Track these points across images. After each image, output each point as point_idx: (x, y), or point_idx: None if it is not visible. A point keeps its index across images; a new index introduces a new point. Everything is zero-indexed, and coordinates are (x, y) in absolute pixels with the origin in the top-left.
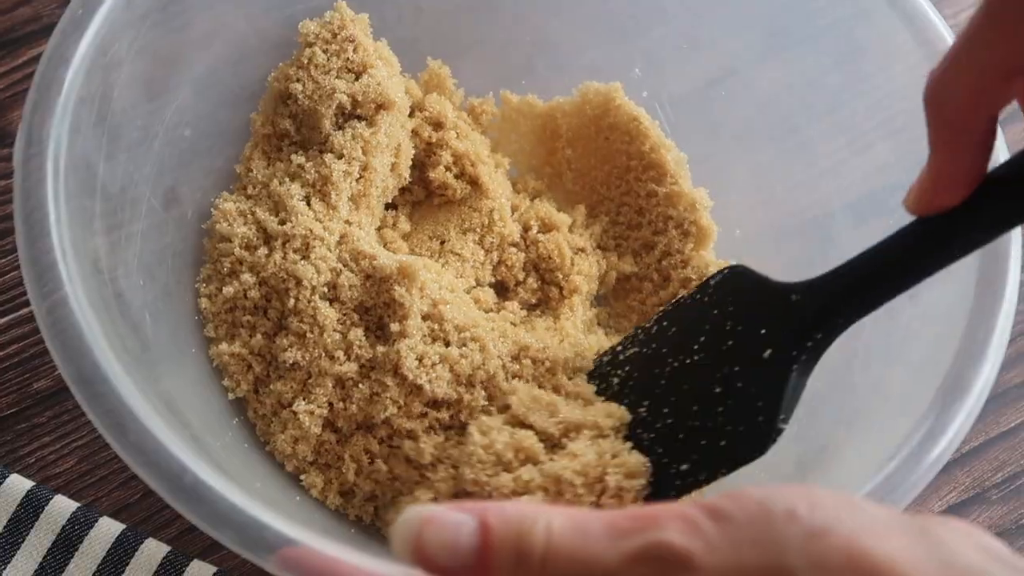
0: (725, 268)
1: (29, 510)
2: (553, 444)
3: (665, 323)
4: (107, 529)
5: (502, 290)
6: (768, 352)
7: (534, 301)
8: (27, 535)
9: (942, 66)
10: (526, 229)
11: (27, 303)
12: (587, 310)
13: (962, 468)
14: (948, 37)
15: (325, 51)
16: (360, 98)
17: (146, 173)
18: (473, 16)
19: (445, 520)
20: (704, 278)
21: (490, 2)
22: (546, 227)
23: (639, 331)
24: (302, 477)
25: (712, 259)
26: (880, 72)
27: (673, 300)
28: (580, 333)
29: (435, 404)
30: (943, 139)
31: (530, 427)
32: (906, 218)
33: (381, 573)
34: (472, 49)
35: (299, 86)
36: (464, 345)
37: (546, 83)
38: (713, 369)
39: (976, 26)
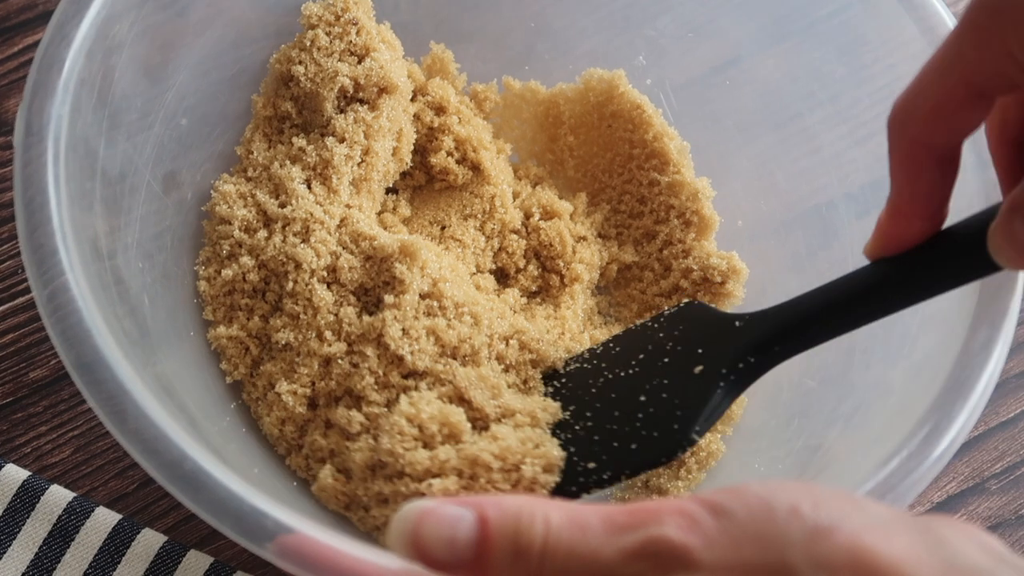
0: (688, 302)
1: (25, 500)
2: (483, 428)
3: (611, 343)
4: (103, 519)
5: (502, 277)
6: (699, 368)
7: (534, 289)
8: (23, 525)
9: (907, 89)
10: (527, 216)
11: (23, 292)
12: (588, 299)
13: (961, 458)
14: (951, 24)
15: (328, 33)
16: (363, 81)
17: (146, 156)
18: (475, 1)
19: (443, 514)
20: (705, 268)
21: None
22: (547, 214)
23: (596, 348)
24: (287, 459)
25: (714, 249)
26: (882, 61)
27: (623, 333)
28: (579, 323)
29: (414, 376)
30: (904, 165)
31: (468, 403)
32: None
33: (379, 562)
34: (474, 34)
35: (301, 68)
36: (458, 318)
37: (549, 69)
38: (644, 381)
39: (944, 45)
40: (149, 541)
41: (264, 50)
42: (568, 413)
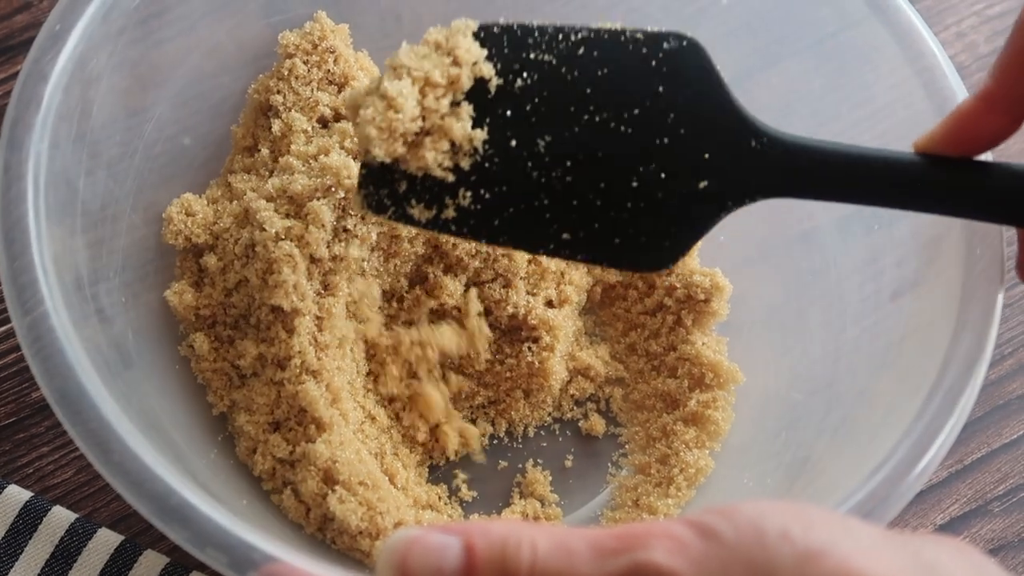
0: (681, 36)
1: (28, 521)
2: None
3: (595, 53)
4: (106, 540)
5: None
6: (703, 185)
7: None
8: (25, 546)
9: None
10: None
11: None
12: (576, 320)
13: (964, 480)
14: (937, 52)
15: (306, 62)
16: (343, 111)
17: (127, 188)
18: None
19: (429, 542)
20: (688, 285)
21: (470, 11)
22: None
23: (560, 34)
24: (263, 483)
25: (696, 266)
26: (868, 87)
27: (610, 27)
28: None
29: None
30: (1016, 63)
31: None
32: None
33: None
34: None
35: (280, 97)
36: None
37: None
38: (638, 156)
39: None
40: (151, 563)
41: (243, 79)
42: (549, 137)
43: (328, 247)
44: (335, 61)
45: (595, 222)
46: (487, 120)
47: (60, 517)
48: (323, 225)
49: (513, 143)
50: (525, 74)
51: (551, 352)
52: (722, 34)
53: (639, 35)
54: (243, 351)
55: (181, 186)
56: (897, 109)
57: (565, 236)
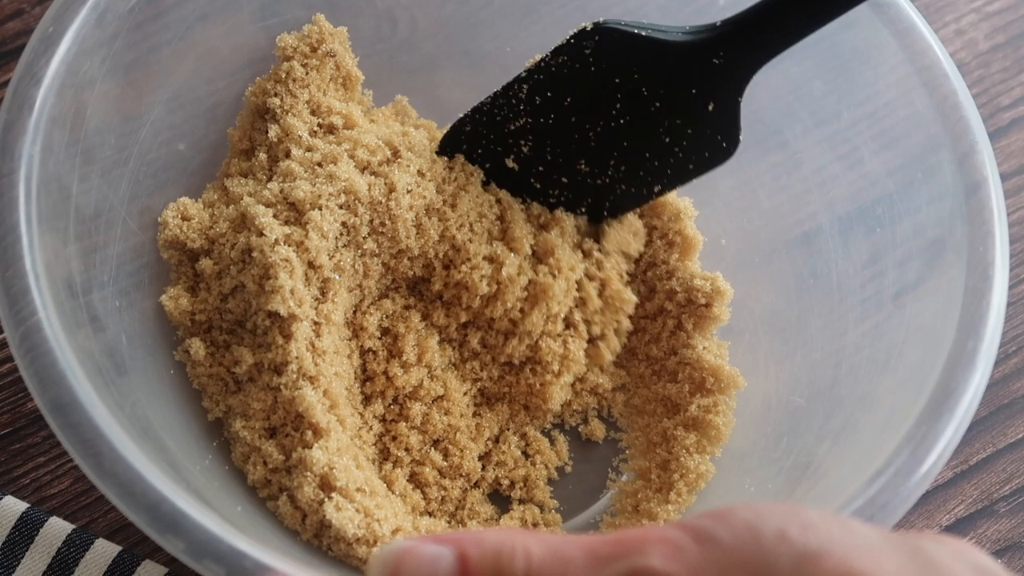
0: (592, 32)
1: (24, 532)
2: None
3: (549, 94)
4: (103, 551)
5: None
6: (712, 106)
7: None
8: (22, 558)
9: None
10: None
11: None
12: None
13: (969, 480)
14: (937, 49)
15: (304, 65)
16: (351, 117)
17: (122, 193)
18: (450, 27)
19: (422, 553)
20: (689, 290)
21: (466, 13)
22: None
23: (513, 100)
24: (258, 490)
25: (698, 270)
26: (868, 85)
27: (535, 67)
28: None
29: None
30: None
31: None
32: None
33: None
34: (450, 61)
35: (277, 100)
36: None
37: None
38: (651, 127)
39: None
40: (150, 573)
41: (239, 83)
42: (583, 165)
43: (329, 256)
44: (336, 66)
45: (666, 168)
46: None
47: (57, 528)
48: (324, 235)
49: (565, 180)
50: (522, 142)
51: (556, 378)
52: None
53: (562, 56)
54: (239, 356)
55: (176, 191)
56: (897, 108)
57: (657, 189)
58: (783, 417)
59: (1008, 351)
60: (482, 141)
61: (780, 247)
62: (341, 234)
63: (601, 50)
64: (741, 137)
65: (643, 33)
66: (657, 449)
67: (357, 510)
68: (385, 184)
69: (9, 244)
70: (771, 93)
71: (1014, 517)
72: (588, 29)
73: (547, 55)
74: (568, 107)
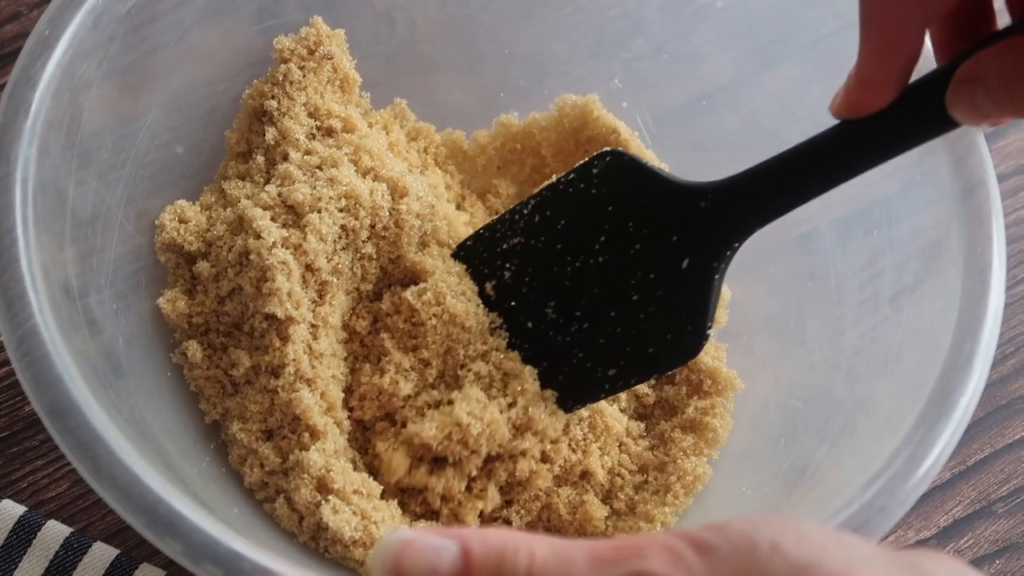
0: (605, 154)
1: (22, 536)
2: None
3: (548, 212)
4: (101, 554)
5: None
6: (686, 262)
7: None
8: (20, 562)
9: None
10: None
11: None
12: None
13: (967, 481)
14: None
15: (301, 68)
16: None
17: (118, 196)
18: (448, 30)
19: (425, 544)
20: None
21: (465, 16)
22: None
23: (516, 216)
24: (255, 492)
25: None
26: None
27: (547, 184)
28: None
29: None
30: (877, 41)
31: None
32: (893, 239)
33: None
34: (448, 63)
35: (274, 103)
36: None
37: (524, 95)
38: (625, 274)
39: None
40: None
41: (236, 86)
42: (551, 310)
43: (327, 259)
44: (333, 68)
45: (625, 347)
46: (503, 323)
47: (55, 531)
48: (323, 238)
49: (529, 324)
50: (507, 265)
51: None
52: (718, 37)
53: (572, 175)
54: (236, 359)
55: (173, 194)
56: None
57: (612, 373)
58: (781, 420)
59: (1006, 352)
60: (482, 253)
61: (777, 249)
62: (340, 237)
63: (607, 170)
64: (710, 332)
65: (649, 165)
66: (654, 451)
67: (354, 512)
68: (389, 188)
69: (5, 247)
70: (770, 95)
71: (1012, 518)
72: (606, 151)
73: (565, 173)
74: (559, 231)
